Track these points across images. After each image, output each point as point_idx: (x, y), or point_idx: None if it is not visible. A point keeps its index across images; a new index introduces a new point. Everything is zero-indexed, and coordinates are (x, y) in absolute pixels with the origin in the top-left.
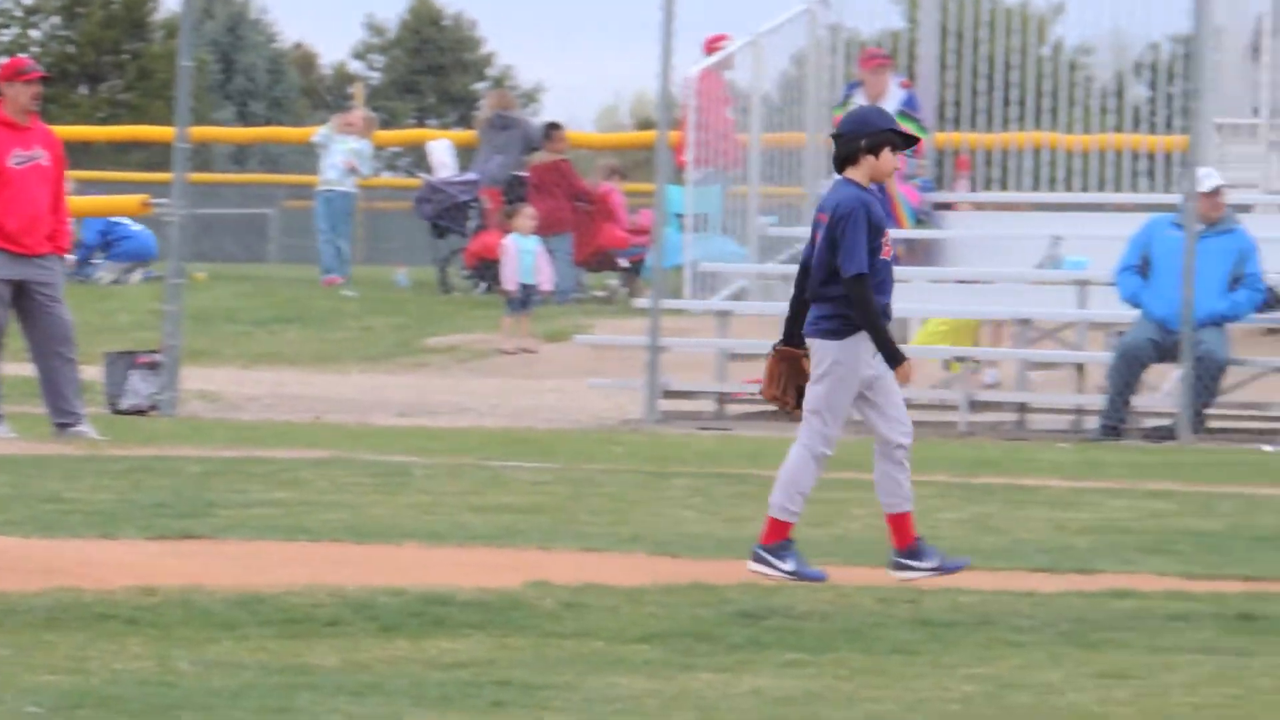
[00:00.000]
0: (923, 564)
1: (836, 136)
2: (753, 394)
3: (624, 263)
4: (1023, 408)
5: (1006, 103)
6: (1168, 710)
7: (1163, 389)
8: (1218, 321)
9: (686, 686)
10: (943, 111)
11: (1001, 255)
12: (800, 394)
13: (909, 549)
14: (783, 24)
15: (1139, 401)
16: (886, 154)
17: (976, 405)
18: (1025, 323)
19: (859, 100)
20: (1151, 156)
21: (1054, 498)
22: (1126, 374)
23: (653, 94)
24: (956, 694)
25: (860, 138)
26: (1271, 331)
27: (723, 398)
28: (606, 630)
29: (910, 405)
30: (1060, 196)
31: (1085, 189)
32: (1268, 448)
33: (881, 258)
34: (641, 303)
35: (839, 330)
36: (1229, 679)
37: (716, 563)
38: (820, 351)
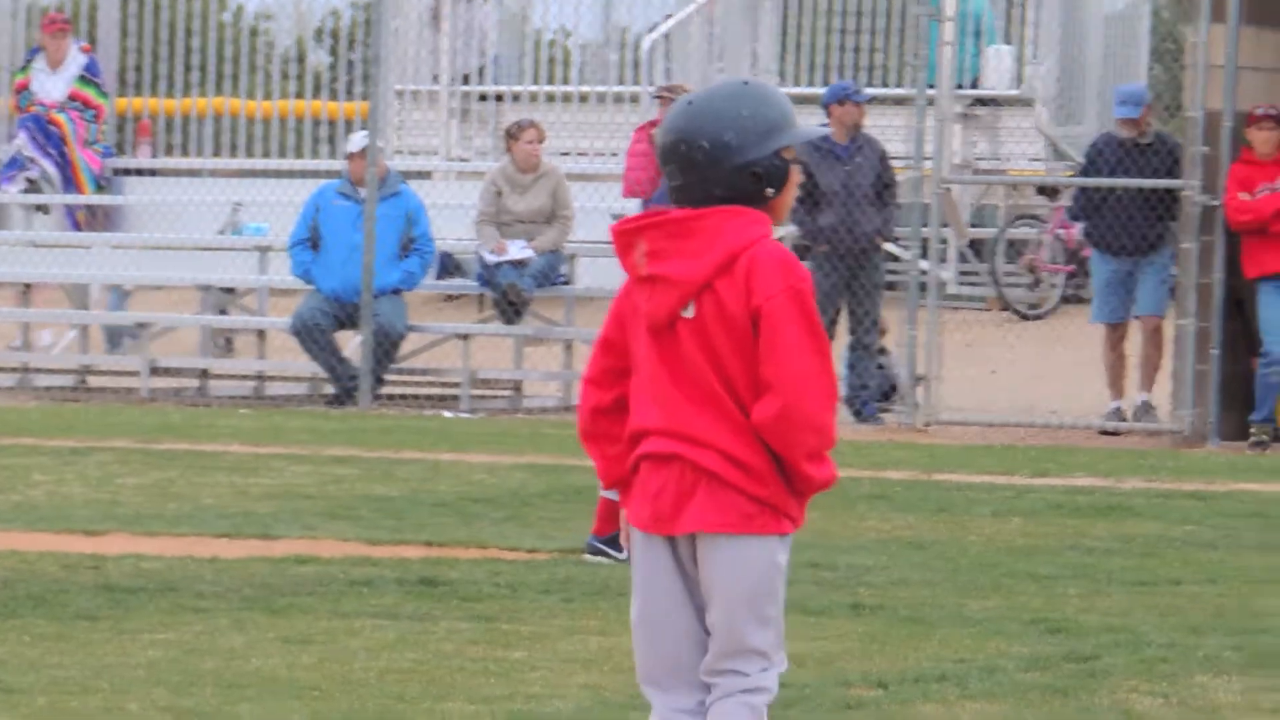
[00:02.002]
0: (620, 555)
1: None
2: None
3: None
4: (204, 374)
5: (188, 68)
6: (352, 675)
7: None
8: (392, 291)
9: None
10: (123, 76)
11: (184, 221)
12: None
13: (609, 536)
14: None
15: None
16: None
17: (158, 371)
18: (207, 289)
19: (40, 65)
20: (333, 123)
21: (236, 463)
22: (310, 344)
23: None
24: (141, 659)
25: None
26: (450, 298)
27: None
28: None
29: (90, 371)
30: (241, 163)
31: (266, 155)
32: (448, 414)
33: None
34: None
35: None
36: (411, 643)
37: None
38: None
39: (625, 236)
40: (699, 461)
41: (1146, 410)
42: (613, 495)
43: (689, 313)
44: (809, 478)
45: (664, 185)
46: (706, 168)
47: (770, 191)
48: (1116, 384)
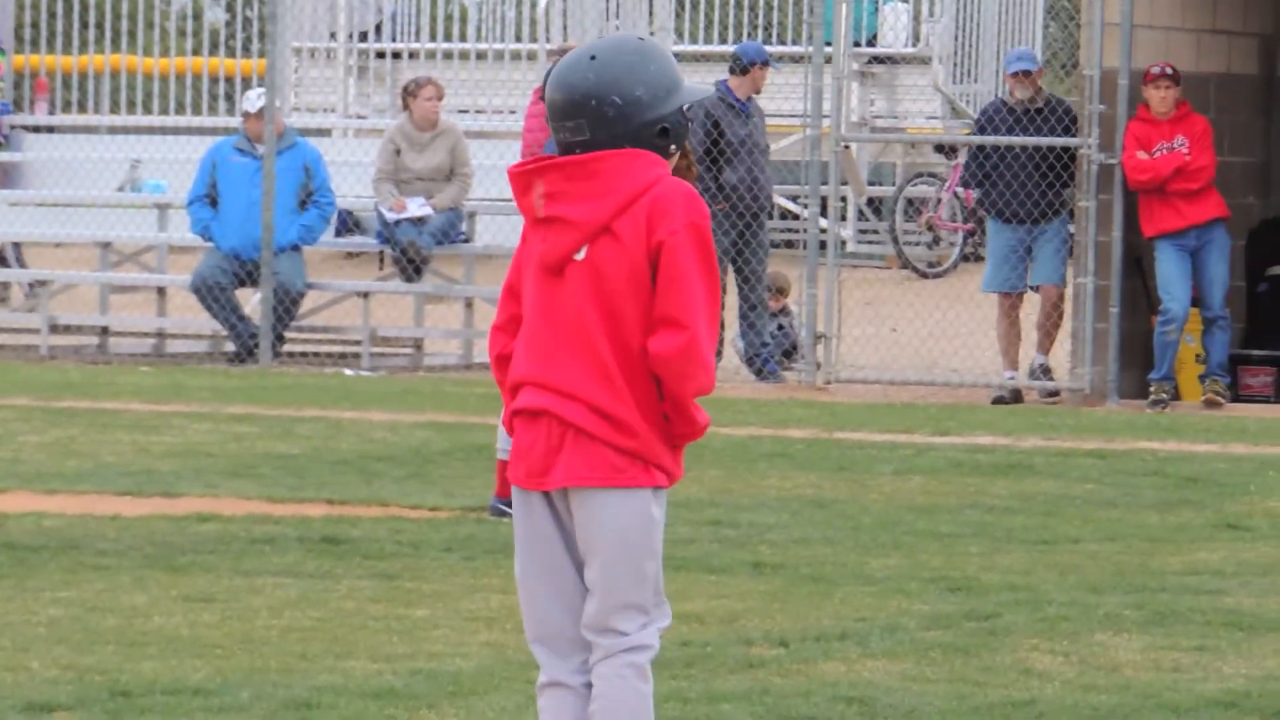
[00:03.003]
0: None
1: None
2: None
3: None
4: (104, 331)
5: (84, 25)
6: (254, 633)
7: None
8: (294, 246)
9: None
10: (20, 33)
11: (82, 178)
12: None
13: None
14: None
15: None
16: None
17: (58, 328)
18: (106, 246)
19: None
20: (230, 80)
21: (137, 421)
22: (210, 303)
23: None
24: (43, 617)
25: None
26: (350, 256)
27: None
28: None
29: None
30: (139, 119)
31: (164, 112)
32: (349, 371)
33: None
34: None
35: None
36: (313, 601)
37: None
38: None
39: (523, 178)
40: (565, 415)
41: (1044, 372)
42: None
43: (580, 255)
44: (693, 419)
45: (552, 142)
46: (617, 123)
47: (673, 148)
48: (1010, 354)
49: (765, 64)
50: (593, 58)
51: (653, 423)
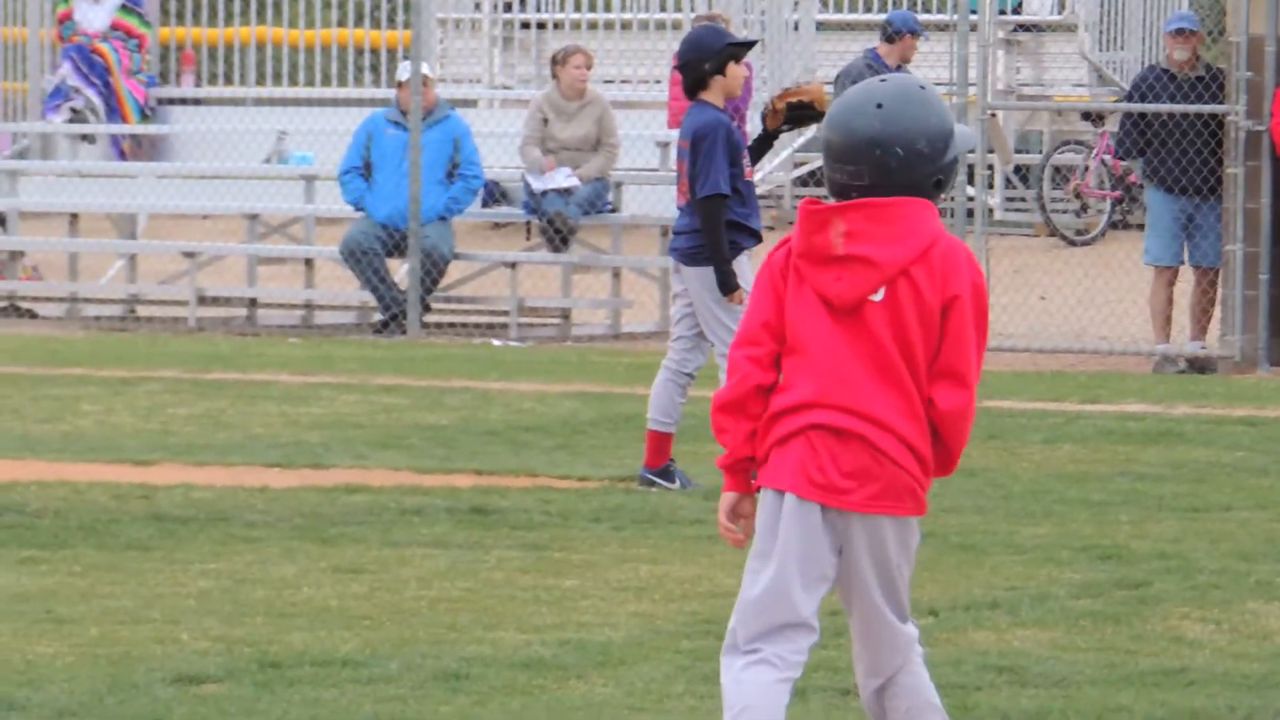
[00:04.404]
0: (671, 484)
1: (682, 67)
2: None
3: None
4: (252, 303)
5: None
6: (403, 604)
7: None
8: (441, 217)
9: None
10: (165, 6)
11: (228, 151)
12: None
13: (661, 469)
14: None
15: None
16: (732, 68)
17: (206, 300)
18: (254, 218)
19: None
20: (375, 52)
21: (285, 393)
22: (359, 269)
23: None
24: (193, 589)
25: (704, 62)
26: (496, 226)
27: None
28: None
29: (139, 300)
30: (285, 91)
31: (310, 84)
32: (496, 342)
33: (744, 179)
34: None
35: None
36: (462, 572)
37: None
38: (706, 277)
39: (820, 216)
40: (880, 444)
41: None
42: (666, 429)
43: (878, 296)
44: (953, 468)
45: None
46: (898, 172)
47: (942, 196)
48: (1164, 328)
49: (915, 33)
50: (879, 105)
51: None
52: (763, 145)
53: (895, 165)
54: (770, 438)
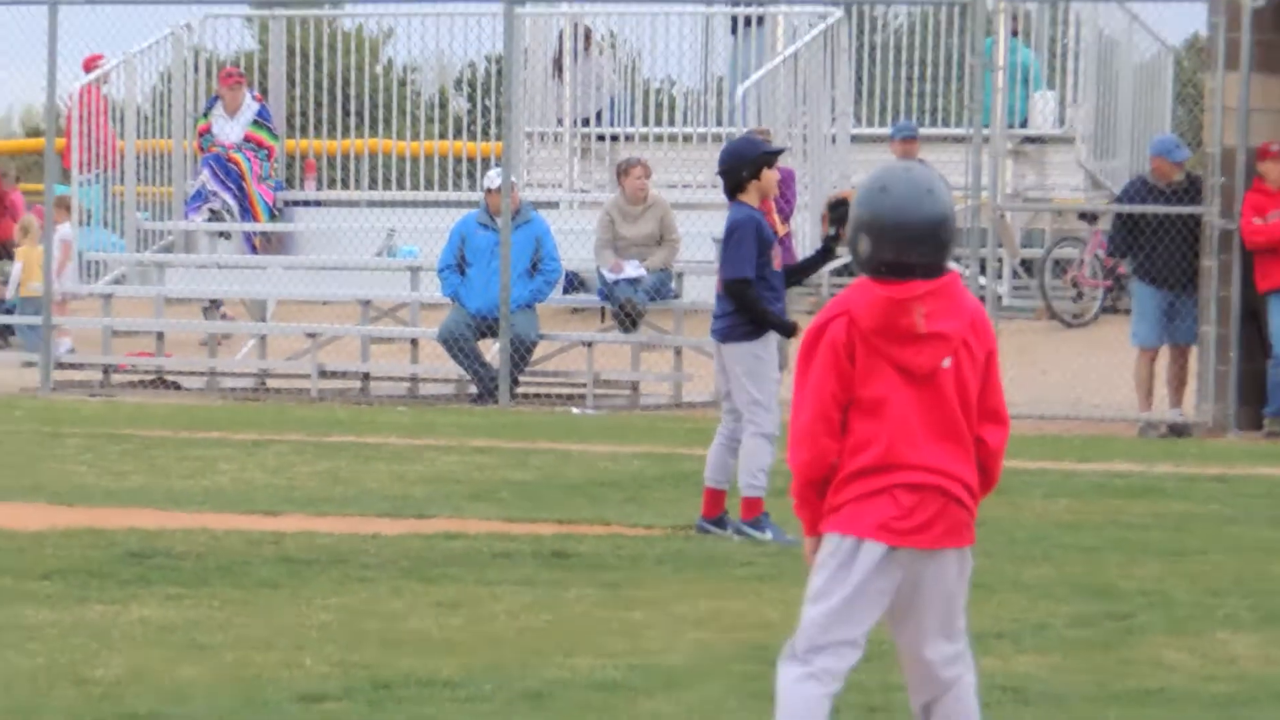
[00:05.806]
0: (723, 532)
1: (723, 173)
2: (135, 365)
3: None
4: (366, 377)
5: (346, 113)
6: (496, 633)
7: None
8: (526, 305)
9: (82, 617)
10: (291, 121)
11: (345, 245)
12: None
13: (715, 519)
14: (152, 45)
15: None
16: (767, 173)
17: (326, 374)
18: (367, 303)
19: (219, 112)
20: (472, 160)
21: (394, 453)
22: (456, 353)
23: (40, 106)
24: (315, 621)
25: (742, 169)
26: (575, 311)
27: (107, 369)
28: (13, 569)
29: (269, 374)
30: (393, 194)
31: (415, 188)
32: (575, 410)
33: (773, 269)
34: (35, 286)
35: (752, 333)
36: (545, 606)
37: (106, 510)
38: (737, 353)
39: (907, 304)
40: (949, 490)
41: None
42: (720, 486)
43: (946, 363)
44: (992, 490)
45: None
46: (948, 246)
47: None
48: (1147, 399)
49: (910, 138)
50: (930, 190)
51: None
52: (824, 256)
53: (948, 239)
54: (848, 493)
